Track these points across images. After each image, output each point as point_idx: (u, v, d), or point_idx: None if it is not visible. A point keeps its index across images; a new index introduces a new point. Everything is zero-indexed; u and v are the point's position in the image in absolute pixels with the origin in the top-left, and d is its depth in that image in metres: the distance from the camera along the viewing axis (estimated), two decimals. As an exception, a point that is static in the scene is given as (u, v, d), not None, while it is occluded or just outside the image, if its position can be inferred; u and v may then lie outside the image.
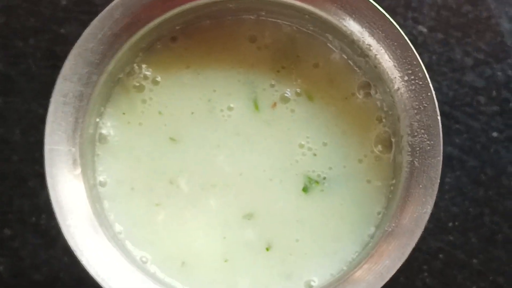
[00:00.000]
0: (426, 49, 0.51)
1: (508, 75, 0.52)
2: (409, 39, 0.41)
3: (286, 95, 0.45)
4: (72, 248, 0.40)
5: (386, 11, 0.41)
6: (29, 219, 0.51)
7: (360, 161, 0.45)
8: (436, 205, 0.48)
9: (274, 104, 0.45)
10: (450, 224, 0.51)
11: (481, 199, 0.51)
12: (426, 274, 0.51)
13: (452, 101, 0.51)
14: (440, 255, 0.51)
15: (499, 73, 0.52)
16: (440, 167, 0.40)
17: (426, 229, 0.48)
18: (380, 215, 0.44)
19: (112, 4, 0.41)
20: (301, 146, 0.45)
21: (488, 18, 0.52)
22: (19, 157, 0.51)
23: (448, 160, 0.51)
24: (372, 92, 0.45)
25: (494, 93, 0.52)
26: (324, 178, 0.44)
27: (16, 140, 0.51)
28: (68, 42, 0.50)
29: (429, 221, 0.47)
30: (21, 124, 0.51)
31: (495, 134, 0.51)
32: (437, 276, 0.51)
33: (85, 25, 0.48)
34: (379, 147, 0.45)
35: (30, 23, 0.51)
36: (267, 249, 0.44)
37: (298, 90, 0.45)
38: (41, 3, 0.51)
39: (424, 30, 0.51)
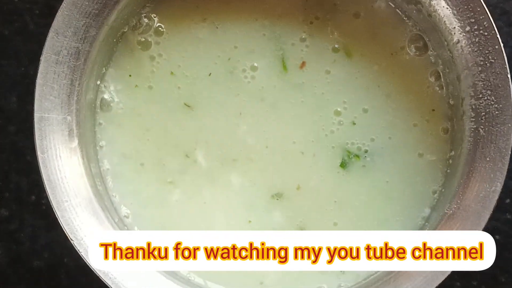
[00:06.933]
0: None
1: None
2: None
3: (319, 51, 0.43)
4: (69, 237, 0.38)
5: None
6: (28, 198, 0.50)
7: (409, 130, 0.43)
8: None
9: (303, 64, 0.43)
10: (508, 200, 0.49)
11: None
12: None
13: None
14: (497, 236, 0.49)
15: None
16: (512, 136, 0.38)
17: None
18: (436, 195, 0.43)
19: None
20: (337, 113, 0.44)
21: None
22: (15, 128, 0.49)
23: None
24: (425, 46, 0.43)
25: None
26: (366, 152, 0.43)
27: (12, 109, 0.49)
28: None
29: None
30: (17, 90, 0.49)
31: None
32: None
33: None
34: (434, 113, 0.43)
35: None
36: (300, 235, 0.44)
37: (336, 45, 0.43)
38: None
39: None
